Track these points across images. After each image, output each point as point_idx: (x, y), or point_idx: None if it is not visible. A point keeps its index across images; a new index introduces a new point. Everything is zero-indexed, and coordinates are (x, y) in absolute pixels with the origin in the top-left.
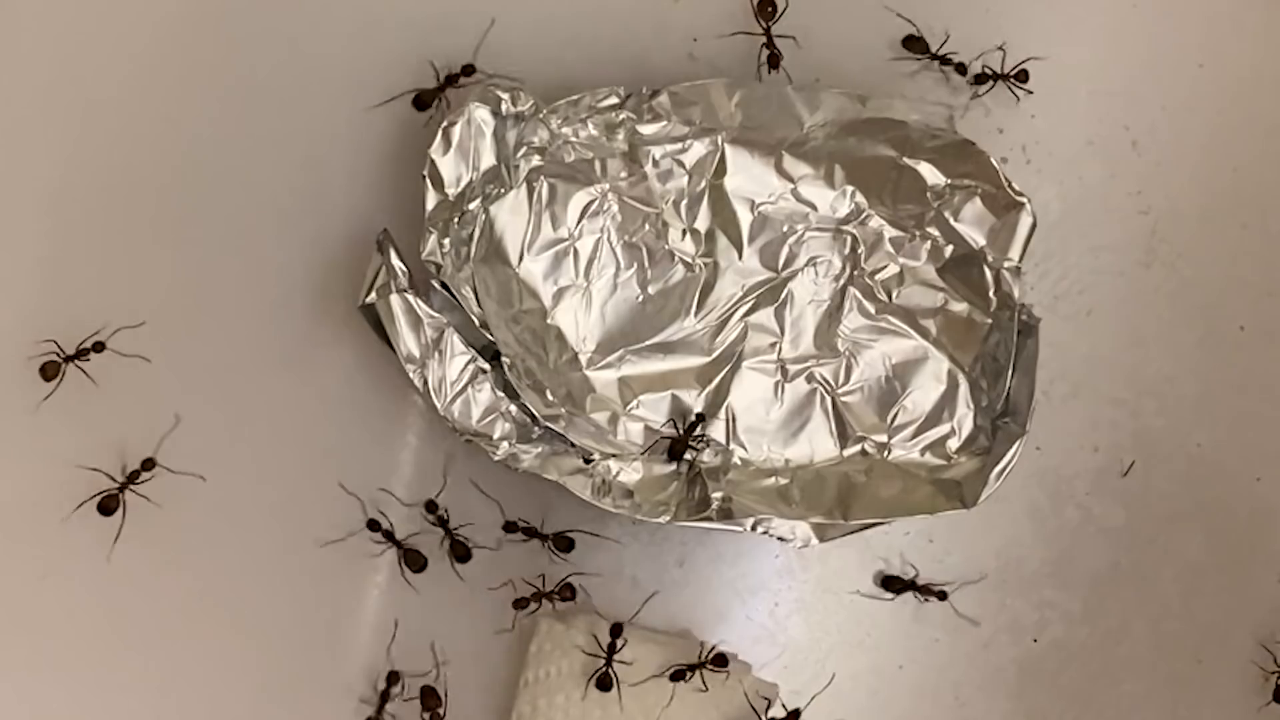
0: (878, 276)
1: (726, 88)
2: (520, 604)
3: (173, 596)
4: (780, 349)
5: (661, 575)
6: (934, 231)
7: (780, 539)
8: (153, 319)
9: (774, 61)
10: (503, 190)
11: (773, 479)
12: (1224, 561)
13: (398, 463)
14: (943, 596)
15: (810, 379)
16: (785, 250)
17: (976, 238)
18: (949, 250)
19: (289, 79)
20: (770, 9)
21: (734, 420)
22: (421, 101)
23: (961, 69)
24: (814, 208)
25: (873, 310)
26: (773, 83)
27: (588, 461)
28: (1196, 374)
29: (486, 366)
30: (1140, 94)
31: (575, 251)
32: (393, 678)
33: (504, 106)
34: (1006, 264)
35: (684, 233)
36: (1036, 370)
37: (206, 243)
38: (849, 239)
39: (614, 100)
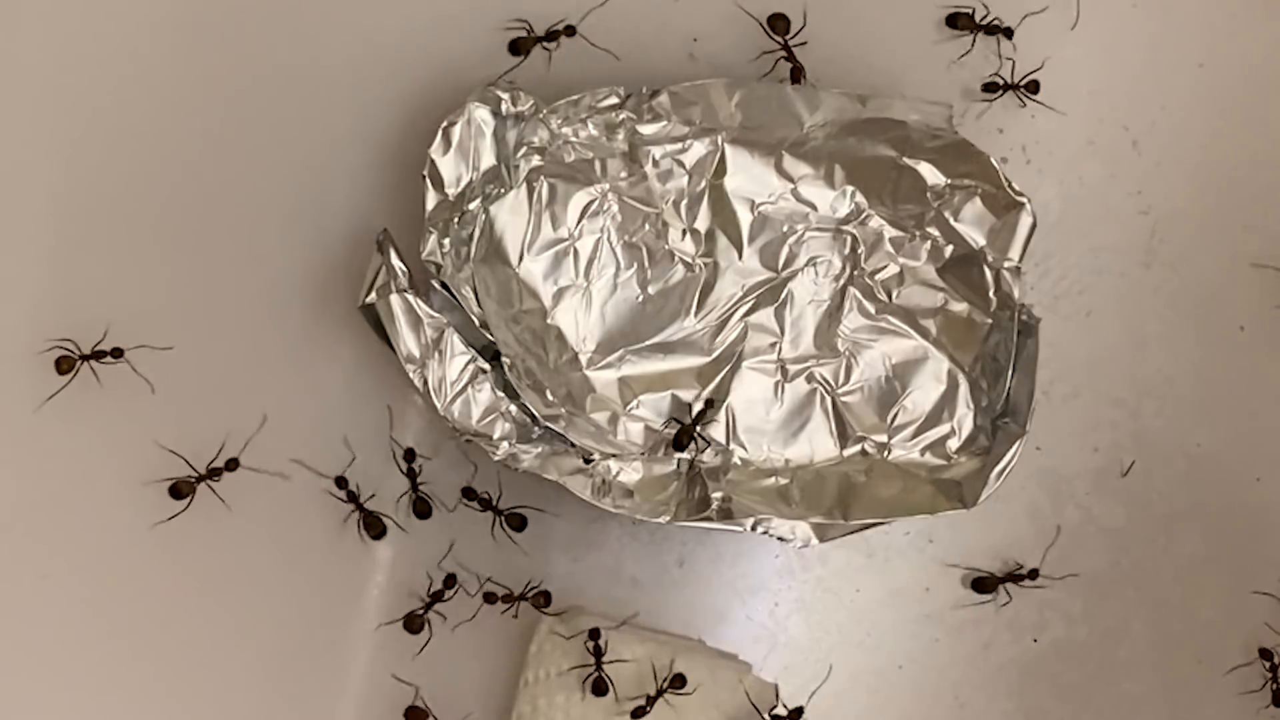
0: (878, 276)
1: (726, 88)
2: (490, 599)
3: (173, 596)
4: (780, 349)
5: (661, 575)
6: (934, 231)
7: (780, 539)
8: (153, 319)
9: (796, 75)
10: (503, 190)
11: (773, 479)
12: (1224, 562)
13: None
14: (1034, 575)
15: (810, 379)
16: (785, 250)
17: (976, 238)
18: (949, 250)
19: (290, 80)
20: (784, 25)
21: (734, 420)
22: (517, 48)
23: (1009, 33)
24: (814, 208)
25: (873, 310)
26: (772, 83)
27: (588, 461)
28: (1196, 374)
29: (486, 366)
30: (1140, 94)
31: (575, 251)
32: (450, 580)
33: (504, 106)
34: (1006, 264)
35: (684, 233)
36: (1036, 370)
37: (206, 243)
38: (849, 239)
39: (614, 100)
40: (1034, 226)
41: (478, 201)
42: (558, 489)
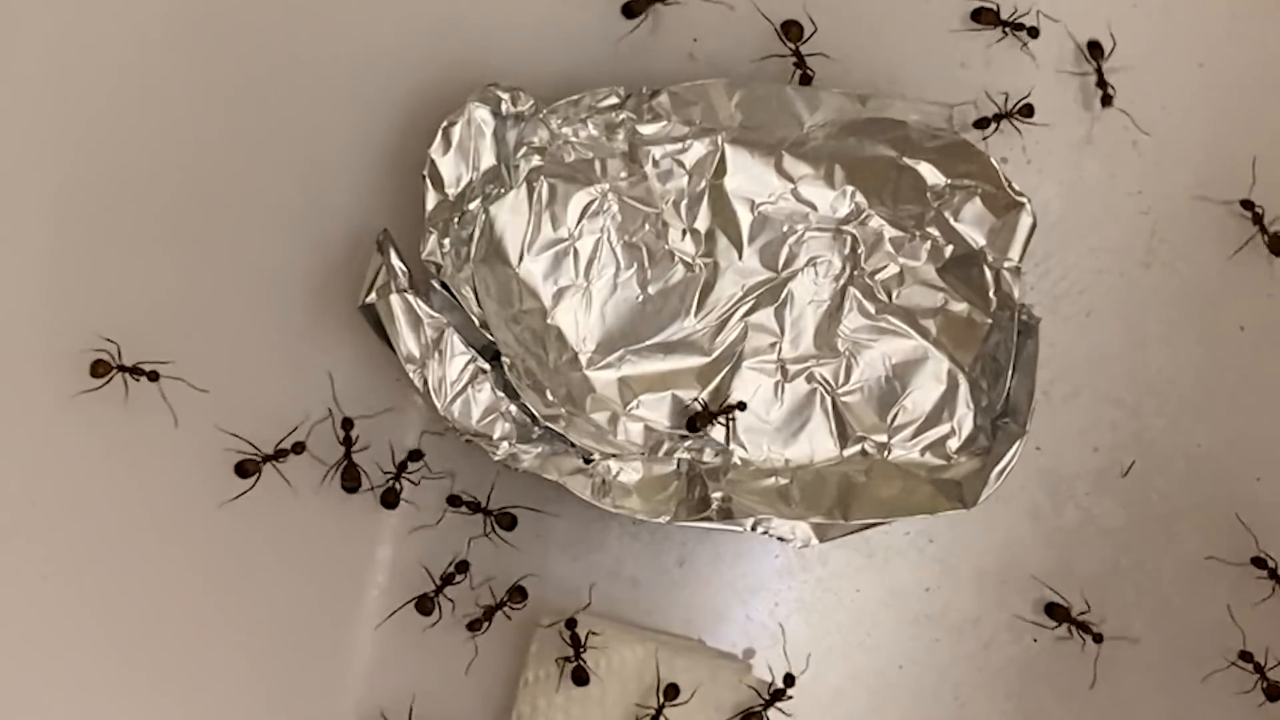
0: (878, 276)
1: (726, 88)
2: (474, 626)
3: (172, 595)
4: (780, 349)
5: (661, 575)
6: (934, 231)
7: (780, 539)
8: (153, 319)
9: (806, 81)
10: (503, 190)
11: (773, 479)
12: (1224, 562)
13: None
14: (1099, 639)
15: (810, 379)
16: (785, 250)
17: (976, 238)
18: (949, 250)
19: (290, 80)
20: (797, 31)
21: (734, 420)
22: (631, 10)
23: (1034, 32)
24: (814, 208)
25: (873, 310)
26: (772, 82)
27: (588, 461)
28: (1196, 374)
29: (486, 366)
30: (1140, 94)
31: (575, 251)
32: (462, 566)
33: (504, 106)
34: (1006, 264)
35: (684, 233)
36: (1036, 370)
37: (206, 243)
38: (849, 239)
39: (614, 100)
40: (1034, 226)
41: (478, 201)
42: (558, 489)
